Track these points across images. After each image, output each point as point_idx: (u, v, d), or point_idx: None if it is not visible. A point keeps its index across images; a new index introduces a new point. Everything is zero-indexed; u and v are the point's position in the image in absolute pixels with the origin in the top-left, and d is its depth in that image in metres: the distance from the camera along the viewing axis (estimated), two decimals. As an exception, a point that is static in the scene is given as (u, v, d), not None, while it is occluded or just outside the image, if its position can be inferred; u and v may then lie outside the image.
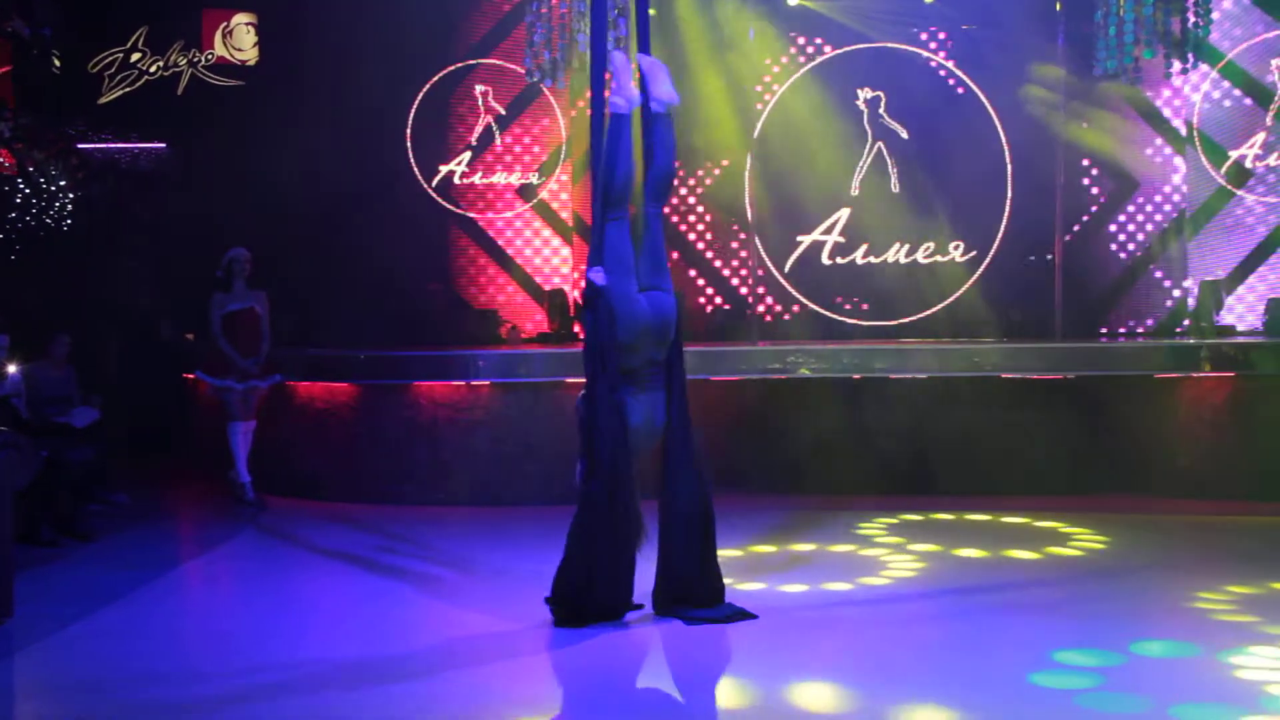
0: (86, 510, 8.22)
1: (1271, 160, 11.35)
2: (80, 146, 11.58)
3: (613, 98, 5.72)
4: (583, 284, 5.59)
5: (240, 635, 5.77)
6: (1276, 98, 11.28)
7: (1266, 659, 4.97)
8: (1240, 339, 10.12)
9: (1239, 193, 11.46)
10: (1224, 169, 11.48)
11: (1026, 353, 9.30)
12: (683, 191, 12.15)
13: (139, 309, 11.37)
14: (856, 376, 9.22)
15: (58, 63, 11.97)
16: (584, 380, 5.77)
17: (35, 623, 5.92)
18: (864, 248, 11.81)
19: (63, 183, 11.09)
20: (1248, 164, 11.42)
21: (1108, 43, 9.21)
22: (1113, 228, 11.77)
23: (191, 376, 10.36)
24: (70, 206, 11.10)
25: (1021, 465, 9.05)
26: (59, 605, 6.26)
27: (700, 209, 12.24)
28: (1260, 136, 11.37)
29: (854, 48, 11.81)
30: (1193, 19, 8.87)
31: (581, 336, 5.60)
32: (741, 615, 5.75)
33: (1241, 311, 11.28)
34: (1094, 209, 11.79)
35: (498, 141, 12.20)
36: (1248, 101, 11.39)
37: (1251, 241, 11.43)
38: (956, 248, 11.71)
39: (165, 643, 5.70)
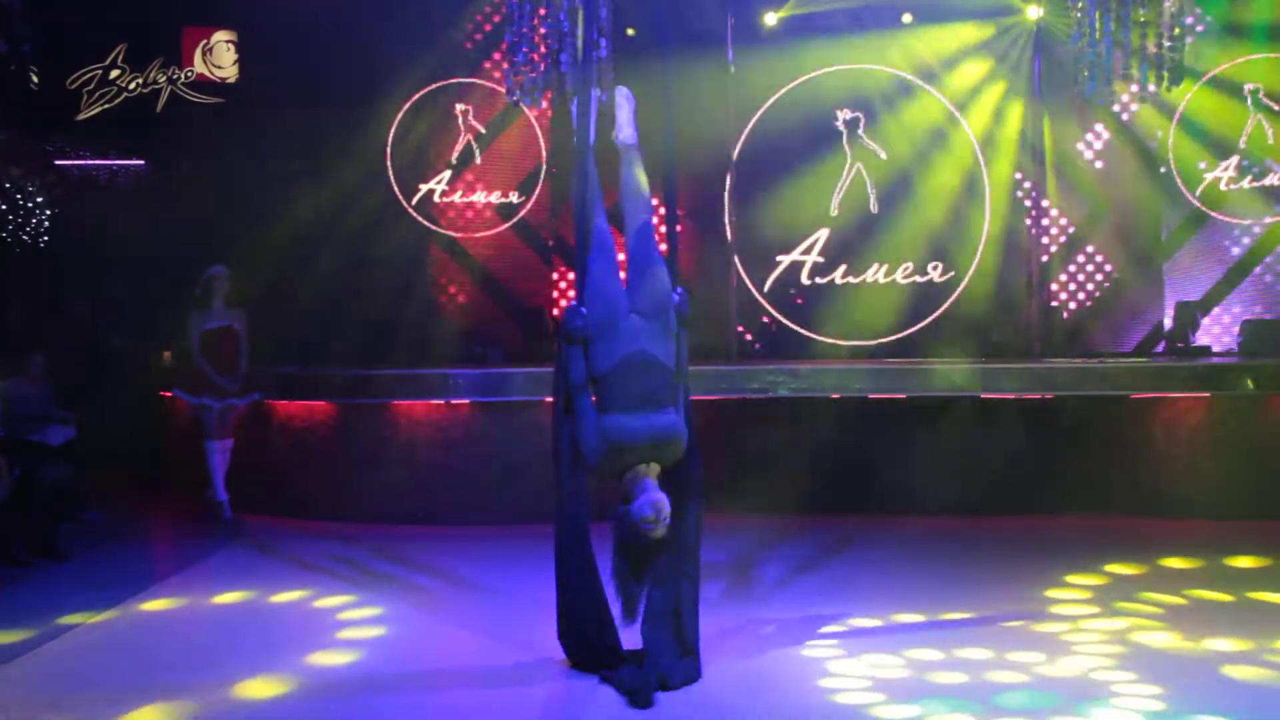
0: (61, 528, 8.14)
1: (1244, 183, 11.47)
2: (58, 163, 11.52)
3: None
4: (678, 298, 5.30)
5: (215, 654, 5.72)
6: (1249, 121, 11.40)
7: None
8: (1216, 359, 10.20)
9: (1213, 214, 11.55)
10: (1198, 191, 11.58)
11: (1004, 373, 9.32)
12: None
13: (115, 327, 11.29)
14: (835, 395, 9.26)
15: (35, 79, 11.92)
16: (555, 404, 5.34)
17: (7, 642, 5.85)
18: (843, 268, 11.84)
19: (40, 199, 11.03)
20: (1222, 186, 11.52)
21: (1087, 66, 9.26)
22: (1089, 249, 11.82)
23: (169, 394, 10.28)
24: (47, 223, 11.05)
25: (1002, 485, 9.11)
26: (32, 624, 6.19)
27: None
28: (1234, 159, 11.48)
29: (834, 69, 11.86)
30: (1169, 42, 8.95)
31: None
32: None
33: (1218, 333, 11.36)
34: (1070, 230, 11.84)
35: (478, 160, 12.20)
36: (1221, 124, 11.50)
37: (1226, 264, 11.53)
38: (935, 268, 11.75)
39: (138, 662, 5.64)
